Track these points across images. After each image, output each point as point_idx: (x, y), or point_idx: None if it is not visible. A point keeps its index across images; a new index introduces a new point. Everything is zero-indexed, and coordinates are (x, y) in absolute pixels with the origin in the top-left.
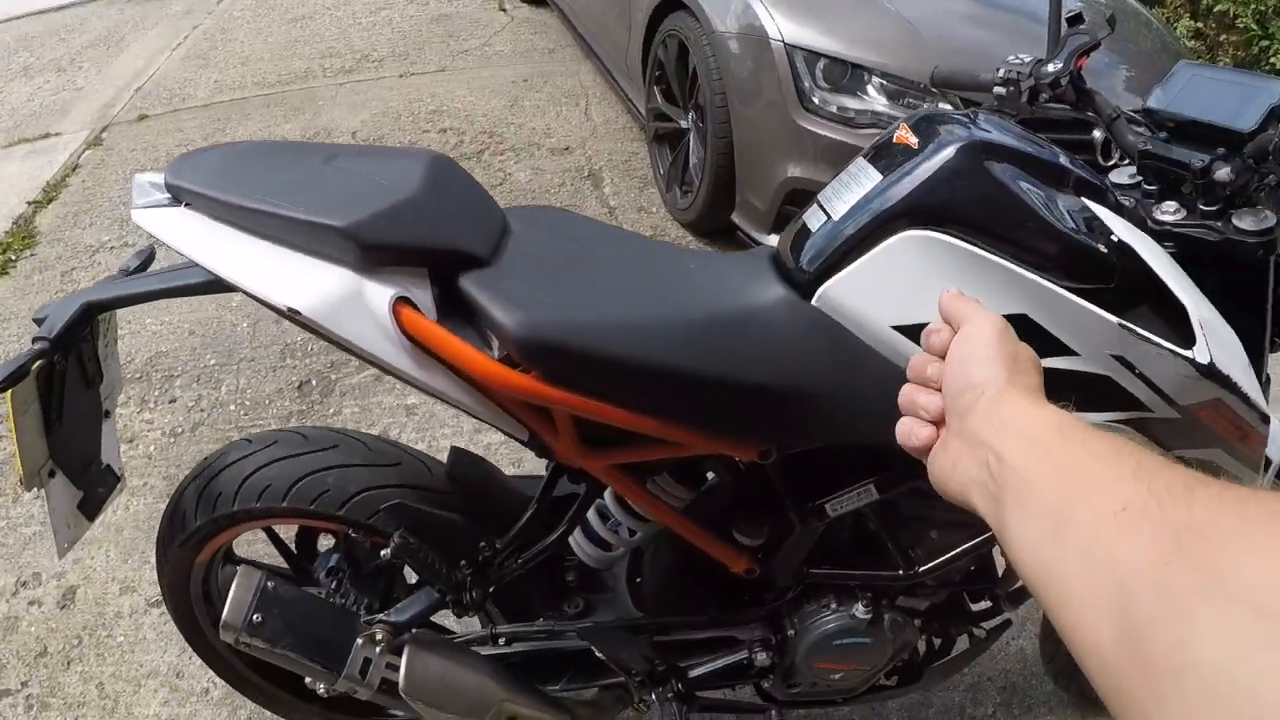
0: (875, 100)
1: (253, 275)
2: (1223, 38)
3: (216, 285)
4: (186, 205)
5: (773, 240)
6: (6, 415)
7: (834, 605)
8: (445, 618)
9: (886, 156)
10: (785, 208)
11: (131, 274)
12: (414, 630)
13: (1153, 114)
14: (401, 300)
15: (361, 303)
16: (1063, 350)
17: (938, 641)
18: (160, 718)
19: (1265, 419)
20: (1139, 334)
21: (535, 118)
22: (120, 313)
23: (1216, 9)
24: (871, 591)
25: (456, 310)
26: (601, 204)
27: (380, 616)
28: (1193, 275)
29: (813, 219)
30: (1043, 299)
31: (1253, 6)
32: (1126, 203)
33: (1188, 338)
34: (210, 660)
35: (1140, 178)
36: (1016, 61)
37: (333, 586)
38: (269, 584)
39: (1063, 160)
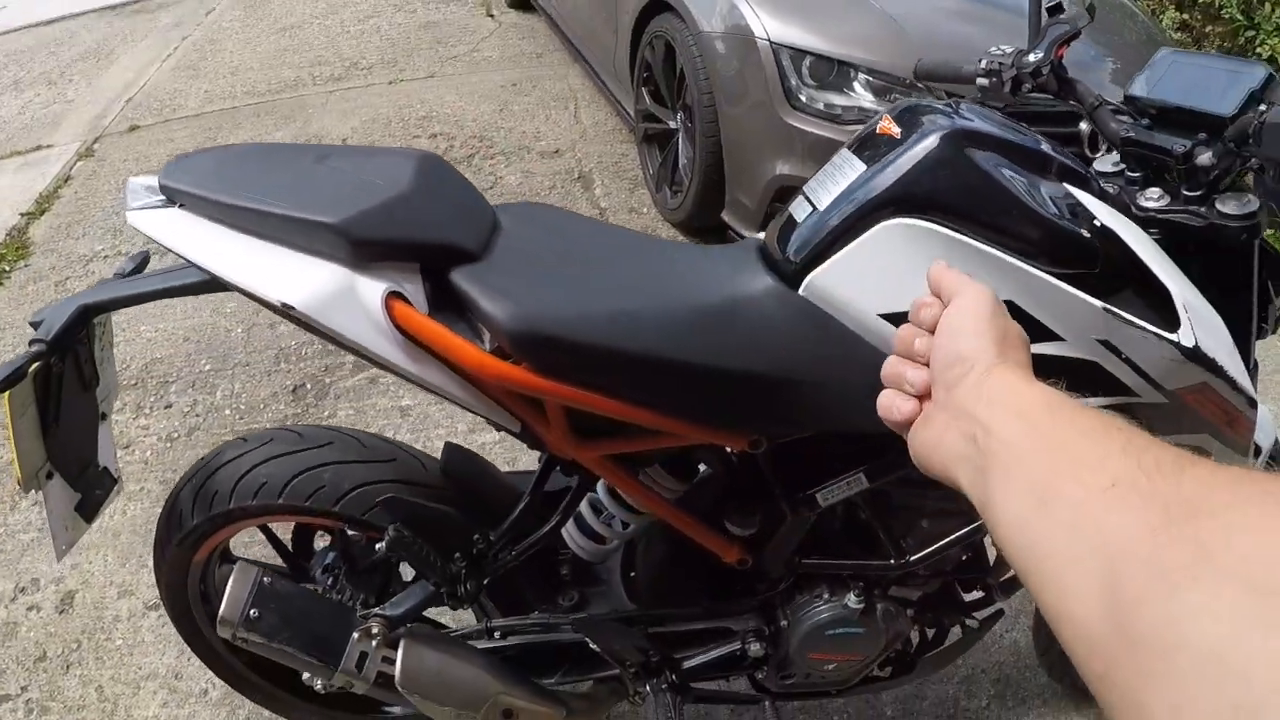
0: (862, 96)
1: (246, 272)
2: (1209, 29)
3: (211, 285)
4: (181, 206)
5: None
6: (4, 417)
7: (826, 595)
8: (442, 614)
9: (870, 147)
10: (775, 205)
11: (127, 277)
12: (410, 624)
13: (1135, 101)
14: (394, 295)
15: (354, 297)
16: (1048, 336)
17: (930, 632)
18: (159, 719)
19: (1252, 403)
20: (1123, 318)
21: (524, 122)
22: (114, 320)
23: (1201, 0)
24: (864, 581)
25: (448, 305)
26: (592, 205)
27: (376, 610)
28: (1178, 261)
29: (798, 210)
30: (1027, 285)
31: None
32: (1110, 190)
33: (1172, 321)
34: (209, 660)
35: (1124, 165)
36: (998, 52)
37: (329, 583)
38: (265, 579)
39: (1045, 147)
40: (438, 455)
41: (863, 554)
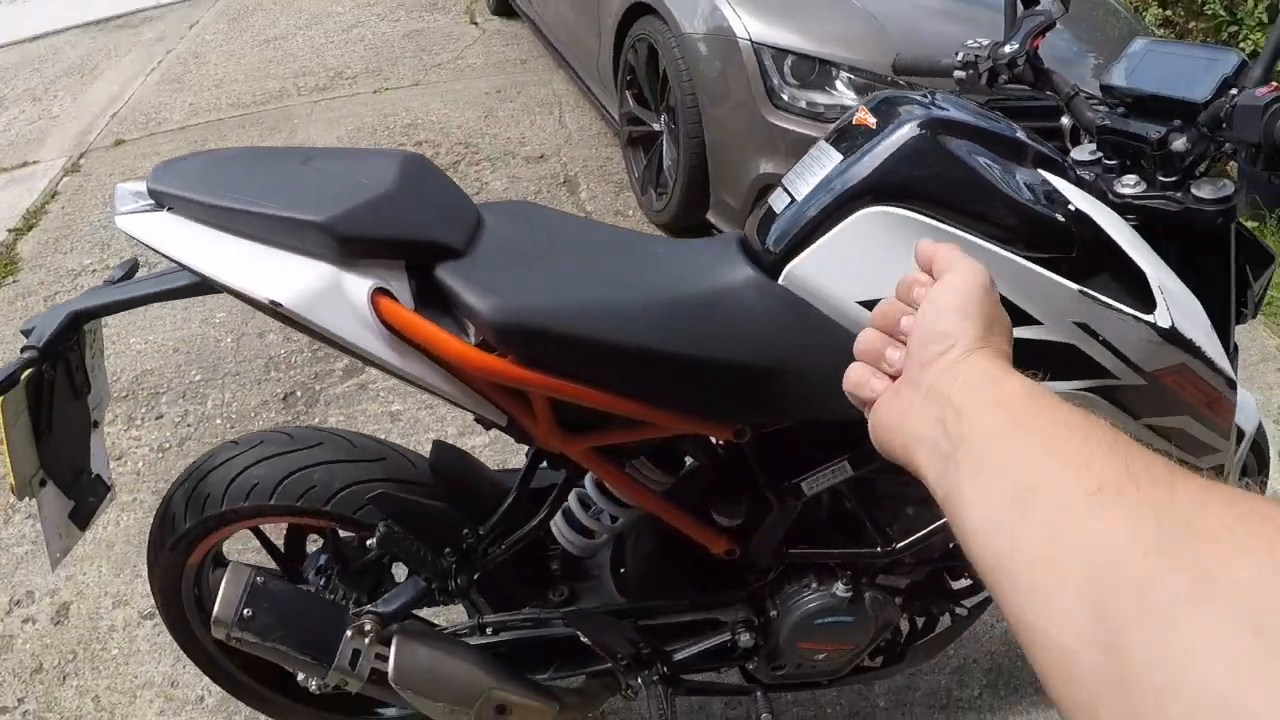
0: (844, 94)
1: (235, 272)
2: (1191, 24)
3: (200, 287)
4: (169, 210)
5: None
6: None
7: (814, 585)
8: (436, 615)
9: (848, 138)
10: (760, 204)
11: (116, 284)
12: (402, 621)
13: (1111, 90)
14: (380, 291)
15: (341, 294)
16: (1026, 319)
17: (920, 620)
18: None
19: (1232, 385)
20: (1099, 300)
21: (510, 127)
22: (105, 332)
23: None
24: (851, 570)
25: (433, 301)
26: (578, 209)
27: (368, 607)
28: (1156, 247)
29: (777, 201)
30: (1004, 269)
31: None
32: (1087, 177)
33: (1149, 303)
34: (204, 665)
35: (1100, 153)
36: (975, 45)
37: (321, 584)
38: (258, 579)
39: (1020, 135)
40: (427, 455)
41: (850, 543)
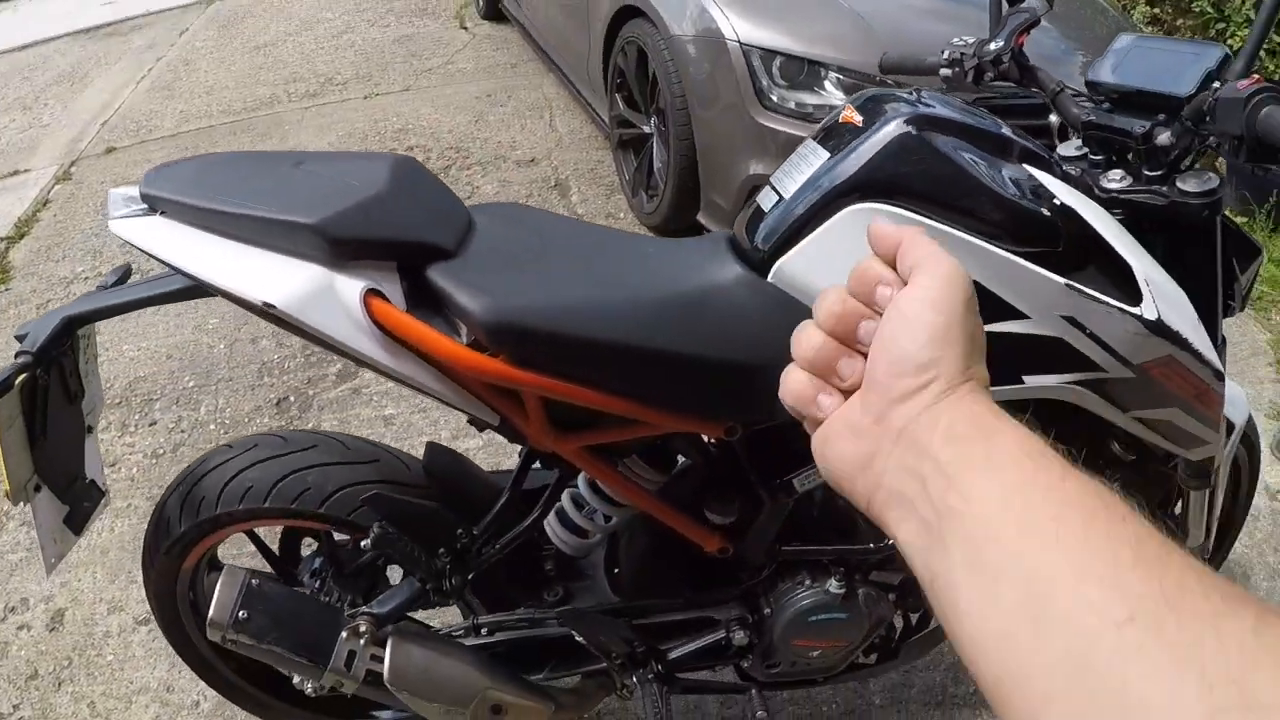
0: (833, 95)
1: (227, 275)
2: (1179, 22)
3: (193, 291)
4: (162, 214)
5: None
6: None
7: (808, 582)
8: (431, 618)
9: (834, 136)
10: (748, 203)
11: (109, 289)
12: (397, 622)
13: (1096, 86)
14: (372, 292)
15: (333, 296)
16: (1013, 314)
17: (913, 616)
18: None
19: (1220, 376)
20: (1086, 293)
21: (500, 131)
22: (98, 339)
23: None
24: (844, 566)
25: (425, 301)
26: (569, 212)
27: (363, 609)
28: (1143, 242)
29: (765, 200)
30: (991, 264)
31: None
32: (1073, 173)
33: (1135, 296)
34: (199, 669)
35: (1086, 149)
36: (960, 43)
37: (316, 587)
38: (253, 581)
39: (1005, 131)
40: (421, 457)
41: (842, 539)
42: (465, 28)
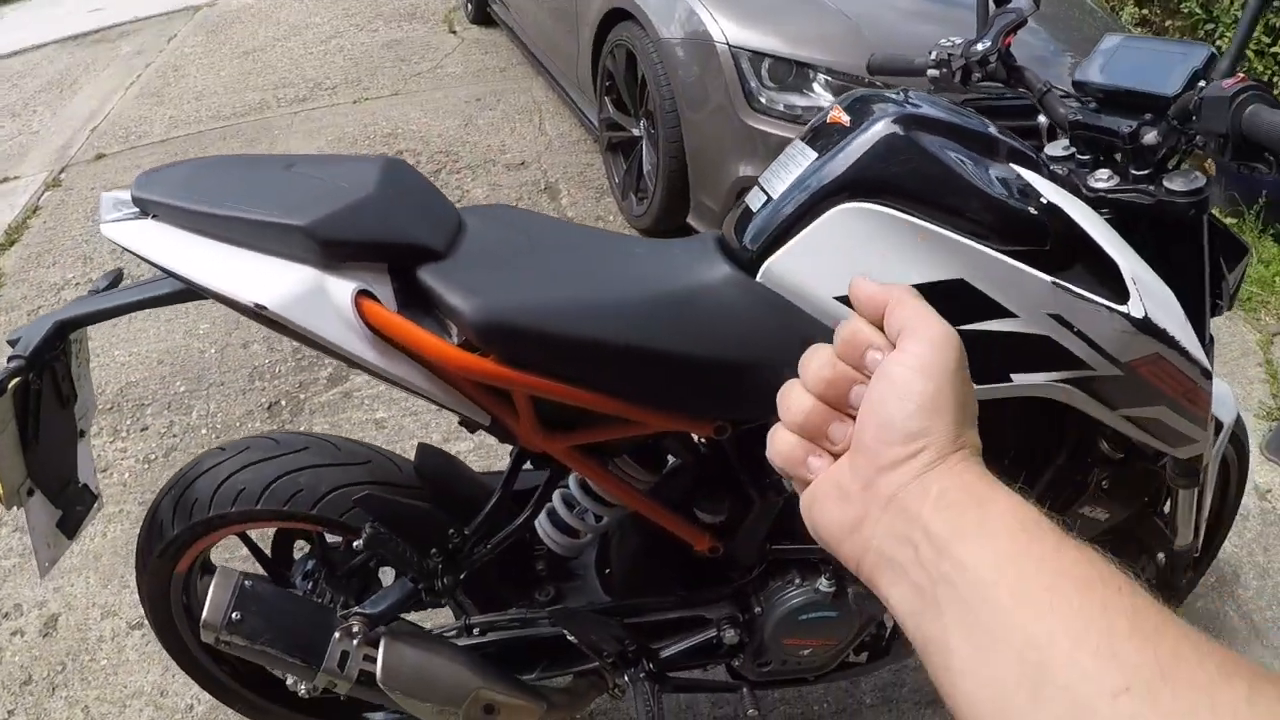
0: (821, 96)
1: (219, 277)
2: (1168, 23)
3: (185, 294)
4: (154, 217)
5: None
6: None
7: (798, 580)
8: (424, 620)
9: (822, 137)
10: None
11: (101, 293)
12: (390, 622)
13: (1083, 86)
14: (363, 293)
15: (325, 297)
16: (1001, 313)
17: None
18: None
19: (1207, 374)
20: (1073, 291)
21: (490, 135)
22: (89, 345)
23: None
24: (834, 565)
25: (415, 302)
26: (559, 215)
27: (356, 609)
28: (1131, 241)
29: (754, 200)
30: (978, 263)
31: None
32: (1061, 172)
33: (1122, 294)
34: (193, 672)
35: (1073, 149)
36: (947, 44)
37: (309, 589)
38: (247, 582)
39: (992, 130)
40: (412, 459)
41: None
42: (454, 32)
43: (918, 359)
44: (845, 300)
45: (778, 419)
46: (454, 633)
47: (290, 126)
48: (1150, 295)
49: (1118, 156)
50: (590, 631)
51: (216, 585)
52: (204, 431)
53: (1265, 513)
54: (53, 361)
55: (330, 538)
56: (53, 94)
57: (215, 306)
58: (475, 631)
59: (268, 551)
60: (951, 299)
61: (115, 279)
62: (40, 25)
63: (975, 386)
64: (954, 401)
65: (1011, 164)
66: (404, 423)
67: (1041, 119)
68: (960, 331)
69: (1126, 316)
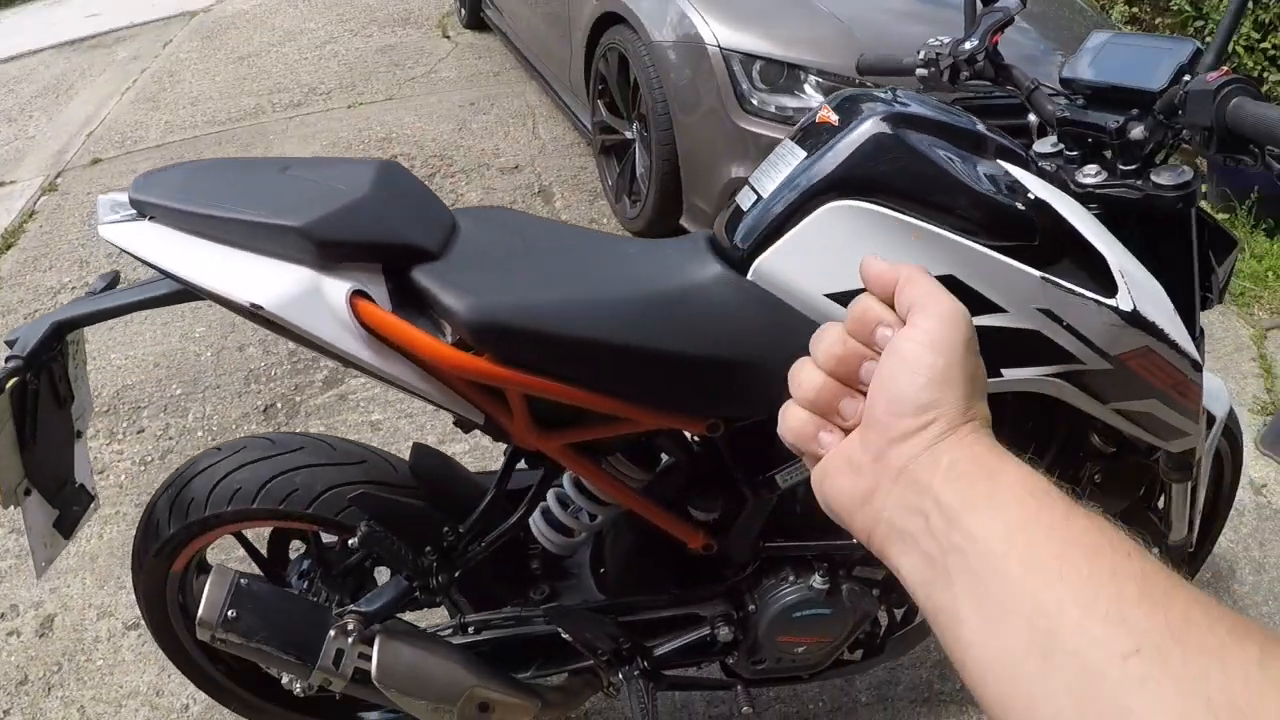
0: (812, 98)
1: (216, 278)
2: (1158, 20)
3: (182, 295)
4: (151, 219)
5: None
6: None
7: (792, 578)
8: (420, 619)
9: (812, 136)
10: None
11: (98, 294)
12: (385, 621)
13: (1070, 83)
14: (358, 293)
15: (320, 297)
16: (991, 308)
17: (898, 612)
18: None
19: (1197, 367)
20: (1062, 286)
21: (484, 139)
22: (86, 347)
23: None
24: (828, 562)
25: (410, 302)
26: (553, 218)
27: (351, 607)
28: (1120, 235)
29: (744, 199)
30: (968, 259)
31: None
32: (1049, 169)
33: (1111, 288)
34: (189, 672)
35: (1061, 145)
36: (935, 43)
37: (305, 588)
38: (242, 581)
39: (980, 128)
40: (407, 459)
41: (825, 535)
42: (448, 37)
43: (928, 334)
44: (835, 298)
45: (770, 415)
46: (449, 631)
47: (285, 131)
48: (1139, 288)
49: (1106, 152)
50: (585, 629)
51: (212, 583)
52: (200, 434)
53: (1260, 507)
54: (50, 362)
55: (326, 537)
56: (49, 99)
57: (211, 310)
58: (470, 630)
59: (264, 551)
60: None
61: (112, 281)
62: (37, 30)
63: None
64: (964, 375)
65: (999, 161)
66: (399, 425)
67: (1030, 116)
68: None
69: (1115, 309)
